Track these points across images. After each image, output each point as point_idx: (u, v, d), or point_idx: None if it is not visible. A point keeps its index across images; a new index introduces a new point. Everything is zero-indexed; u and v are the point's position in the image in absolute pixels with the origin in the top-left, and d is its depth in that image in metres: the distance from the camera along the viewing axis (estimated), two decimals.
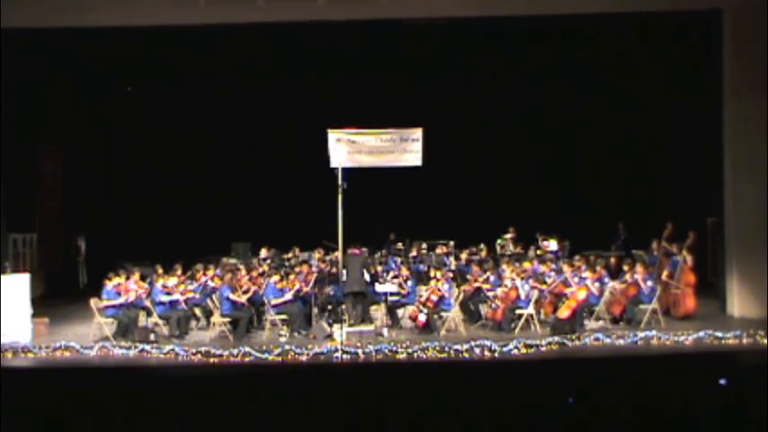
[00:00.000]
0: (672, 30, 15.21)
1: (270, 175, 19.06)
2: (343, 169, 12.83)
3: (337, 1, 13.85)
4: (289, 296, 13.40)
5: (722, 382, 7.65)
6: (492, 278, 14.17)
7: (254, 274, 14.43)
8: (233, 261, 16.00)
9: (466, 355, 11.79)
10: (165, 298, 13.45)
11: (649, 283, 13.52)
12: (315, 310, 14.09)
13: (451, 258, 16.14)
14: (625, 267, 14.11)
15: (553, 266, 14.69)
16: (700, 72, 15.17)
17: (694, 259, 14.17)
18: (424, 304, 13.41)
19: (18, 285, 13.35)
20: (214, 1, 13.68)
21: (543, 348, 12.03)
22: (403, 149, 13.61)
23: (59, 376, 10.96)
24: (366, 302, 13.95)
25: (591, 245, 16.54)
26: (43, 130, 18.12)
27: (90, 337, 12.95)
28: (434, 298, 13.35)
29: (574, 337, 12.45)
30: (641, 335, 12.46)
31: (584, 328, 13.09)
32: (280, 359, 11.83)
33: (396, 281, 14.23)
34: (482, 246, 16.54)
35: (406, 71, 17.76)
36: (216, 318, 13.37)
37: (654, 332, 12.52)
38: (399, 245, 17.30)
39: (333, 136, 13.52)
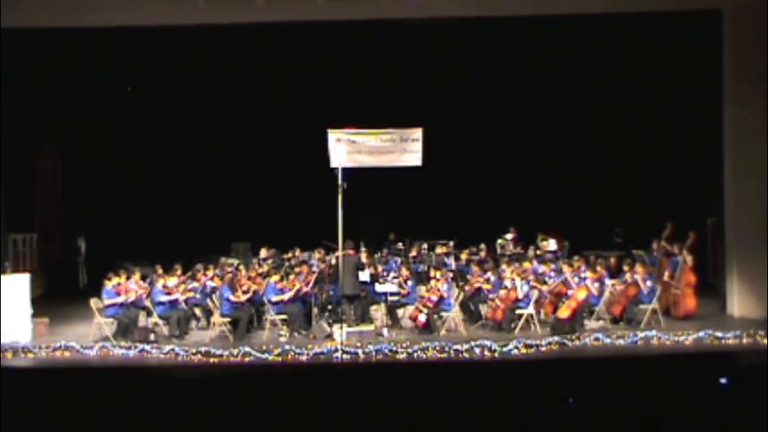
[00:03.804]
0: (672, 30, 15.21)
1: (270, 175, 19.06)
2: (343, 169, 12.82)
3: (337, 1, 13.85)
4: (288, 296, 13.40)
5: (722, 381, 7.65)
6: (492, 278, 14.17)
7: (254, 273, 14.43)
8: (233, 261, 15.99)
9: (466, 355, 11.79)
10: (164, 298, 13.45)
11: (649, 283, 13.53)
12: (315, 310, 14.09)
13: (451, 258, 16.13)
14: (625, 267, 14.12)
15: (553, 266, 14.69)
16: (700, 72, 15.17)
17: (694, 259, 14.17)
18: (424, 304, 13.41)
19: (18, 285, 13.35)
20: (214, 1, 13.68)
21: (543, 348, 12.04)
22: (403, 149, 13.59)
23: (59, 376, 10.95)
24: (361, 304, 13.95)
25: (591, 245, 16.55)
26: (43, 130, 18.12)
27: (90, 337, 12.95)
28: (434, 298, 13.36)
29: (574, 337, 12.45)
30: (641, 335, 12.47)
31: (585, 328, 13.09)
32: (280, 359, 11.84)
33: (396, 281, 14.23)
34: (482, 246, 16.54)
35: (406, 71, 17.76)
36: (216, 318, 13.37)
37: (654, 332, 12.53)
38: (399, 245, 17.30)
39: (333, 136, 13.50)
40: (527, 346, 11.96)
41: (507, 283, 13.70)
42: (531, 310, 13.38)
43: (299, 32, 15.53)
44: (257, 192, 19.00)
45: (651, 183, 18.19)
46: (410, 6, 14.07)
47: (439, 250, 16.46)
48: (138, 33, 14.75)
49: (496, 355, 11.81)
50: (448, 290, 13.48)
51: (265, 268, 15.05)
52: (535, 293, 13.60)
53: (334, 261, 14.31)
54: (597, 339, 12.44)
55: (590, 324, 13.42)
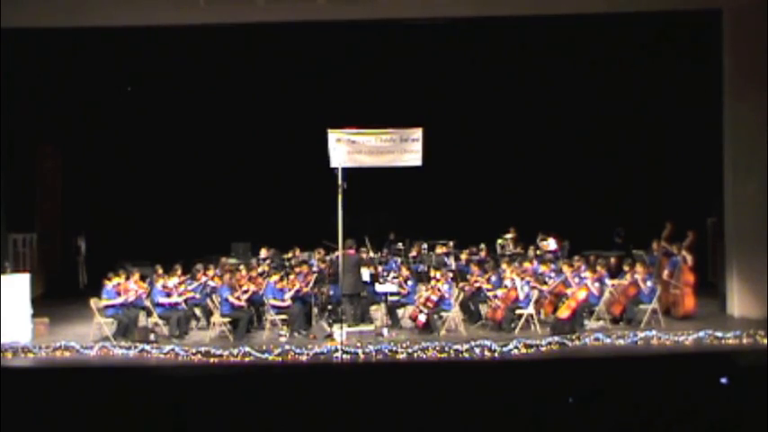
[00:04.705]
0: (672, 30, 15.21)
1: (270, 175, 19.07)
2: (343, 169, 12.84)
3: (337, 1, 13.85)
4: (288, 299, 13.40)
5: (723, 380, 7.65)
6: (492, 278, 14.17)
7: (254, 273, 14.43)
8: (233, 261, 15.99)
9: (466, 355, 11.80)
10: (164, 300, 13.45)
11: (649, 283, 13.53)
12: (315, 310, 14.08)
13: (451, 258, 16.13)
14: (625, 267, 14.12)
15: (553, 267, 14.69)
16: (700, 72, 15.17)
17: (694, 259, 14.18)
18: (424, 304, 13.41)
19: (18, 285, 13.35)
20: (214, 1, 13.68)
21: (543, 348, 12.04)
22: (403, 149, 13.58)
23: (59, 376, 10.95)
24: (362, 303, 13.95)
25: (591, 245, 16.55)
26: (43, 130, 18.12)
27: (90, 337, 12.96)
28: (434, 298, 13.36)
29: (574, 337, 12.45)
30: (641, 335, 12.47)
31: (585, 328, 13.10)
32: (280, 359, 11.85)
33: (396, 281, 14.23)
34: (482, 246, 16.54)
35: (406, 71, 17.76)
36: (216, 318, 13.37)
37: (654, 332, 12.53)
38: (399, 245, 17.29)
39: (333, 136, 13.50)
40: (527, 346, 11.96)
41: (507, 283, 13.71)
42: (531, 310, 13.38)
43: (299, 32, 15.52)
44: (257, 192, 19.01)
45: (651, 183, 18.20)
46: (410, 6, 14.09)
47: (439, 250, 16.46)
48: (138, 33, 14.75)
49: (496, 355, 11.81)
50: (448, 290, 13.48)
51: (265, 268, 15.04)
52: (535, 293, 13.60)
53: (334, 260, 14.31)
54: (597, 339, 12.45)
55: (590, 324, 13.42)
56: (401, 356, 11.80)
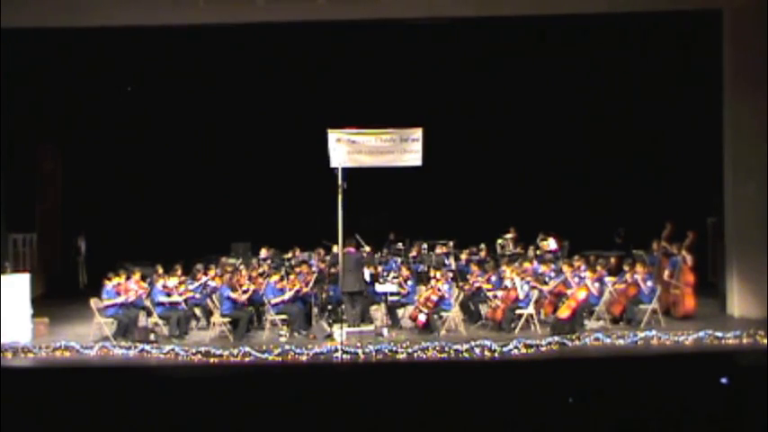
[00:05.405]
0: (672, 30, 15.22)
1: (270, 174, 19.06)
2: (343, 169, 12.84)
3: (337, 1, 13.86)
4: (288, 296, 13.40)
5: (723, 380, 7.65)
6: (492, 278, 14.17)
7: (254, 273, 14.43)
8: (233, 261, 15.98)
9: (466, 355, 11.80)
10: (164, 299, 13.45)
11: (649, 283, 13.53)
12: (315, 310, 14.09)
13: (451, 258, 16.13)
14: (625, 267, 14.12)
15: (553, 266, 14.69)
16: (700, 72, 15.17)
17: (694, 259, 14.18)
18: (424, 304, 13.41)
19: (18, 285, 13.34)
20: (214, 1, 13.69)
21: (543, 348, 12.04)
22: (403, 149, 13.60)
23: (59, 376, 10.95)
24: (364, 302, 13.94)
25: (591, 245, 16.55)
26: (43, 130, 18.12)
27: (90, 337, 12.95)
28: (434, 298, 13.36)
29: (574, 337, 12.45)
30: (641, 335, 12.47)
31: (585, 328, 13.09)
32: (280, 359, 11.85)
33: (396, 281, 14.23)
34: (482, 246, 16.54)
35: (406, 71, 17.76)
36: (216, 318, 13.37)
37: (654, 332, 12.52)
38: (399, 245, 17.29)
39: (333, 136, 13.51)
40: (527, 346, 11.96)
41: (507, 283, 13.70)
42: (531, 310, 13.38)
43: (299, 32, 15.53)
44: (257, 192, 19.01)
45: (651, 183, 18.19)
46: (410, 6, 14.10)
47: (439, 250, 16.46)
48: (138, 33, 14.76)
49: (496, 355, 11.81)
50: (448, 290, 13.48)
51: (265, 268, 15.04)
52: (535, 293, 13.60)
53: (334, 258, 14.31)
54: (597, 339, 12.44)
55: (590, 324, 13.42)
56: (401, 356, 11.79)
